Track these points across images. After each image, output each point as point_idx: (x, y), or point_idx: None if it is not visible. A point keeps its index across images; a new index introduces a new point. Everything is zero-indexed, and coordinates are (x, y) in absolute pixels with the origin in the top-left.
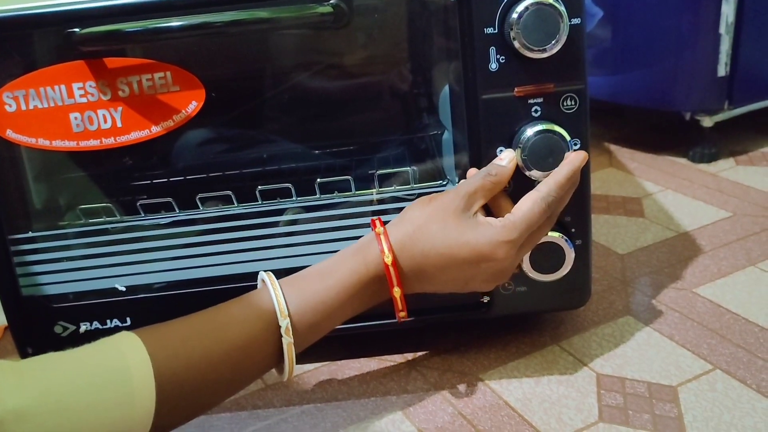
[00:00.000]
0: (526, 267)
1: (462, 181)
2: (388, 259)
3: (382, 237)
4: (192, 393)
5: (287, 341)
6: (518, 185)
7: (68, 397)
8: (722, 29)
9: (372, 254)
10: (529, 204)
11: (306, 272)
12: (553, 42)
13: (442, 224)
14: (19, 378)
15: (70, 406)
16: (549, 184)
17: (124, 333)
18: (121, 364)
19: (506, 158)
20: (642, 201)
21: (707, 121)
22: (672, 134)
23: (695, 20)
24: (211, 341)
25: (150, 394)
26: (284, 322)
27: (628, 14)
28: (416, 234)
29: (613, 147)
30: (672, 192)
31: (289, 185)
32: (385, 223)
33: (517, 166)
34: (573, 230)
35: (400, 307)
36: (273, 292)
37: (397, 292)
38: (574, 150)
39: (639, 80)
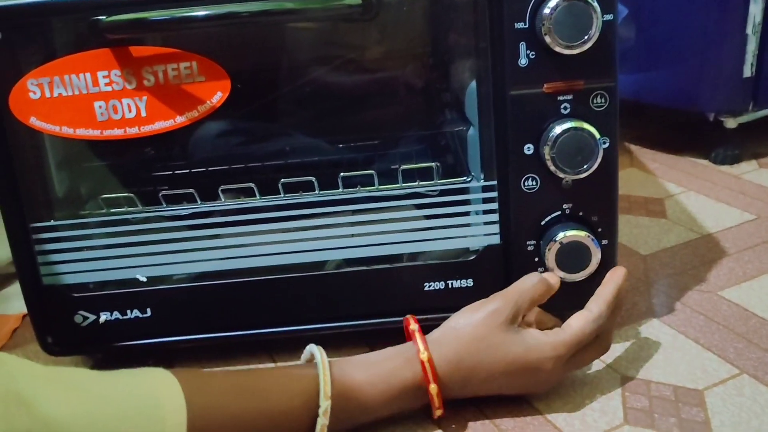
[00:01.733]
0: (552, 265)
1: (511, 288)
2: (434, 390)
3: (426, 365)
4: None
5: (322, 423)
6: (545, 183)
7: (100, 426)
8: (749, 29)
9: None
10: (580, 323)
11: (354, 360)
12: (585, 38)
13: (488, 340)
14: (55, 388)
15: None
16: (600, 305)
17: (163, 373)
18: (157, 413)
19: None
20: (664, 202)
21: (731, 122)
22: (693, 135)
23: (722, 20)
24: (248, 403)
25: None
26: (325, 404)
27: (653, 13)
28: (462, 351)
29: (634, 147)
30: (694, 193)
31: (312, 179)
32: (423, 328)
33: (545, 163)
34: (599, 230)
35: (437, 404)
36: (321, 371)
37: (438, 413)
38: (613, 270)
39: (663, 80)
